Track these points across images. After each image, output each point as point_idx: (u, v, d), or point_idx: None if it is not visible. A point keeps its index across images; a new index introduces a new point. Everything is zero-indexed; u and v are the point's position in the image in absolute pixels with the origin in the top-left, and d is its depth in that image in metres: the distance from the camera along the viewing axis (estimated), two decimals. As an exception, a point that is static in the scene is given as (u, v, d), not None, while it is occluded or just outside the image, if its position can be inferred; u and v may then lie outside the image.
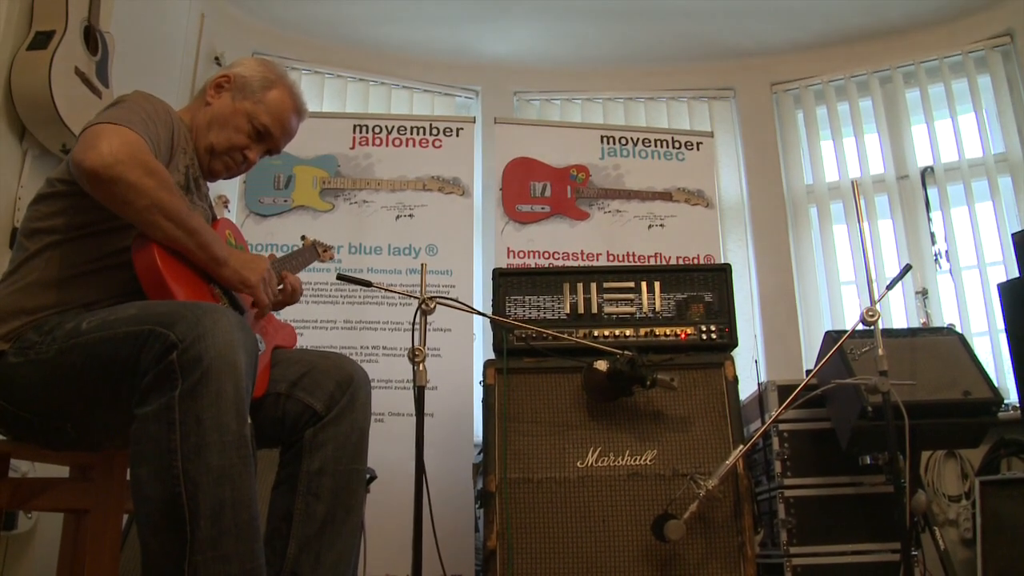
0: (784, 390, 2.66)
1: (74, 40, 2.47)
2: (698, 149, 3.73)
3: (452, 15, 4.19)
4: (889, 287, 2.35)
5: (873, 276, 2.34)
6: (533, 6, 4.13)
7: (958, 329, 2.72)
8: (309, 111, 1.92)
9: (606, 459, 2.37)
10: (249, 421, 1.30)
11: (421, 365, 2.12)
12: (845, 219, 4.18)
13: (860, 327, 2.26)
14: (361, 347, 3.24)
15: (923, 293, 3.83)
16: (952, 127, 4.11)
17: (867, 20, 4.23)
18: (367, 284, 2.25)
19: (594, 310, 2.54)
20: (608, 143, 3.69)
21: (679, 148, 3.72)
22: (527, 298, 2.56)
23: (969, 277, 3.88)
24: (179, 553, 1.18)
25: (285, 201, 3.42)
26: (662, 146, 3.72)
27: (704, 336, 2.51)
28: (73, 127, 2.37)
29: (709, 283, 2.57)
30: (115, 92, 2.59)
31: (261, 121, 1.76)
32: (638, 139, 3.72)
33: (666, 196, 3.63)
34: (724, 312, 2.54)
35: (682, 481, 2.29)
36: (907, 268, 2.40)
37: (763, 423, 2.66)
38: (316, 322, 3.26)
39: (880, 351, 2.18)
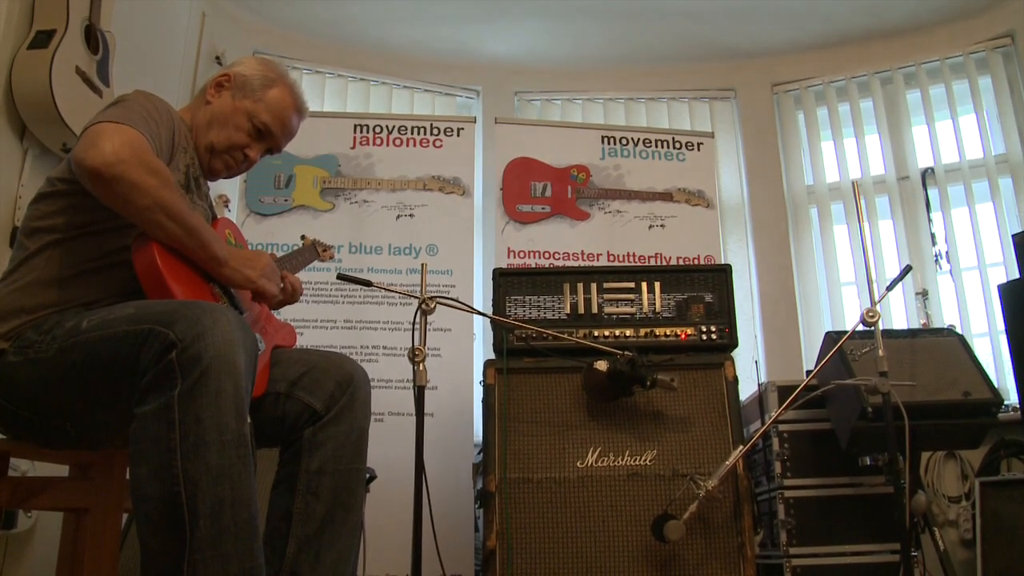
0: (784, 391, 2.66)
1: (75, 39, 2.47)
2: (699, 149, 3.73)
3: (453, 15, 4.19)
4: (889, 288, 2.34)
5: (873, 277, 2.34)
6: (534, 6, 4.13)
7: (958, 330, 2.72)
8: (310, 110, 1.92)
9: (606, 459, 2.36)
10: (249, 420, 1.30)
11: (421, 365, 2.12)
12: (845, 220, 4.18)
13: (860, 328, 2.26)
14: (361, 347, 3.24)
15: (923, 294, 3.83)
16: (953, 128, 4.10)
17: (868, 21, 4.23)
18: (367, 284, 2.25)
19: (594, 310, 2.54)
20: (609, 143, 3.69)
21: (680, 148, 3.72)
22: (527, 298, 2.56)
23: (969, 278, 3.88)
24: (178, 552, 1.18)
25: (285, 200, 3.42)
26: (663, 146, 3.71)
27: (704, 336, 2.51)
28: (74, 126, 2.37)
29: (709, 283, 2.57)
30: (116, 91, 2.59)
31: (261, 120, 1.76)
32: (639, 139, 3.72)
33: (667, 196, 3.63)
34: (724, 312, 2.54)
35: (682, 481, 2.29)
36: (907, 269, 2.40)
37: (763, 424, 2.65)
38: (316, 322, 3.26)
39: (880, 352, 2.18)
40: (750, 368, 3.33)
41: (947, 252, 3.93)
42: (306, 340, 3.15)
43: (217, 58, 3.85)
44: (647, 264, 3.46)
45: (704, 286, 2.57)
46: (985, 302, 3.78)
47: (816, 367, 2.45)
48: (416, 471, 2.08)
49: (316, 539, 1.57)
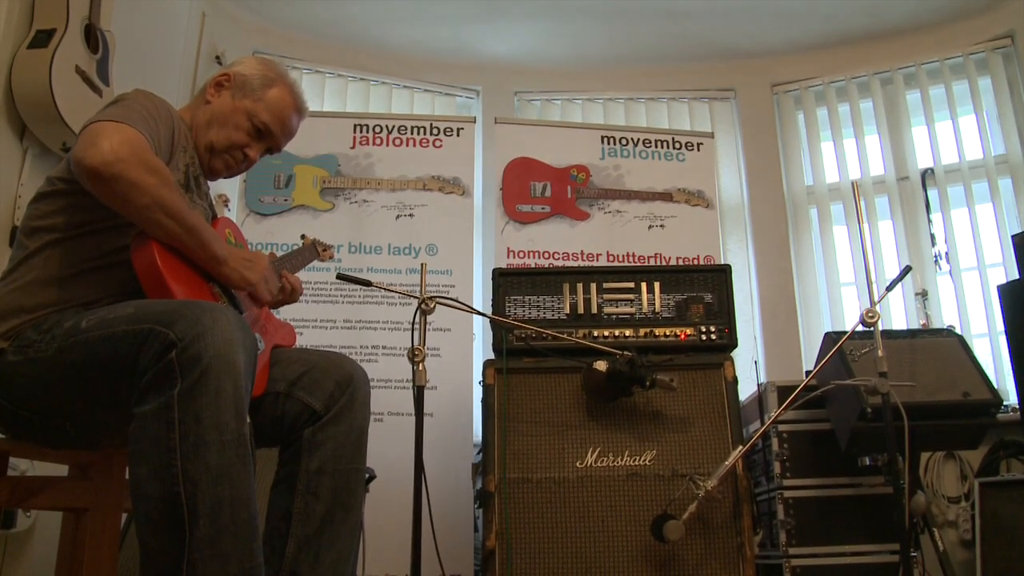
0: (784, 391, 2.66)
1: (75, 38, 2.47)
2: (698, 150, 3.74)
3: (453, 15, 4.19)
4: (889, 288, 2.34)
5: (873, 277, 2.34)
6: (533, 6, 4.13)
7: (958, 331, 2.72)
8: (310, 110, 1.92)
9: (605, 459, 2.36)
10: (248, 420, 1.30)
11: (421, 365, 2.12)
12: (845, 220, 4.18)
13: (860, 328, 2.26)
14: (361, 347, 3.24)
15: (923, 294, 3.83)
16: (952, 129, 4.11)
17: (868, 21, 4.23)
18: (367, 284, 2.25)
19: (594, 310, 2.54)
20: (608, 143, 3.69)
21: (679, 149, 3.72)
22: (527, 298, 2.56)
23: (969, 279, 3.88)
24: (178, 551, 1.18)
25: (285, 200, 3.42)
26: (662, 146, 3.71)
27: (704, 337, 2.51)
28: (73, 125, 2.37)
29: (709, 284, 2.57)
30: (116, 91, 2.59)
31: (261, 119, 1.76)
32: (638, 139, 3.72)
33: (666, 197, 3.63)
34: (724, 313, 2.54)
35: (681, 481, 2.29)
36: (907, 269, 2.40)
37: (762, 424, 2.65)
38: (316, 321, 3.26)
39: (880, 352, 2.18)
40: (750, 368, 3.32)
41: (947, 253, 3.93)
42: (306, 340, 3.16)
43: (217, 58, 3.85)
44: (647, 264, 3.46)
45: (704, 286, 2.57)
46: (985, 303, 3.78)
47: (816, 367, 2.45)
48: (416, 471, 2.08)
49: (316, 539, 1.57)
